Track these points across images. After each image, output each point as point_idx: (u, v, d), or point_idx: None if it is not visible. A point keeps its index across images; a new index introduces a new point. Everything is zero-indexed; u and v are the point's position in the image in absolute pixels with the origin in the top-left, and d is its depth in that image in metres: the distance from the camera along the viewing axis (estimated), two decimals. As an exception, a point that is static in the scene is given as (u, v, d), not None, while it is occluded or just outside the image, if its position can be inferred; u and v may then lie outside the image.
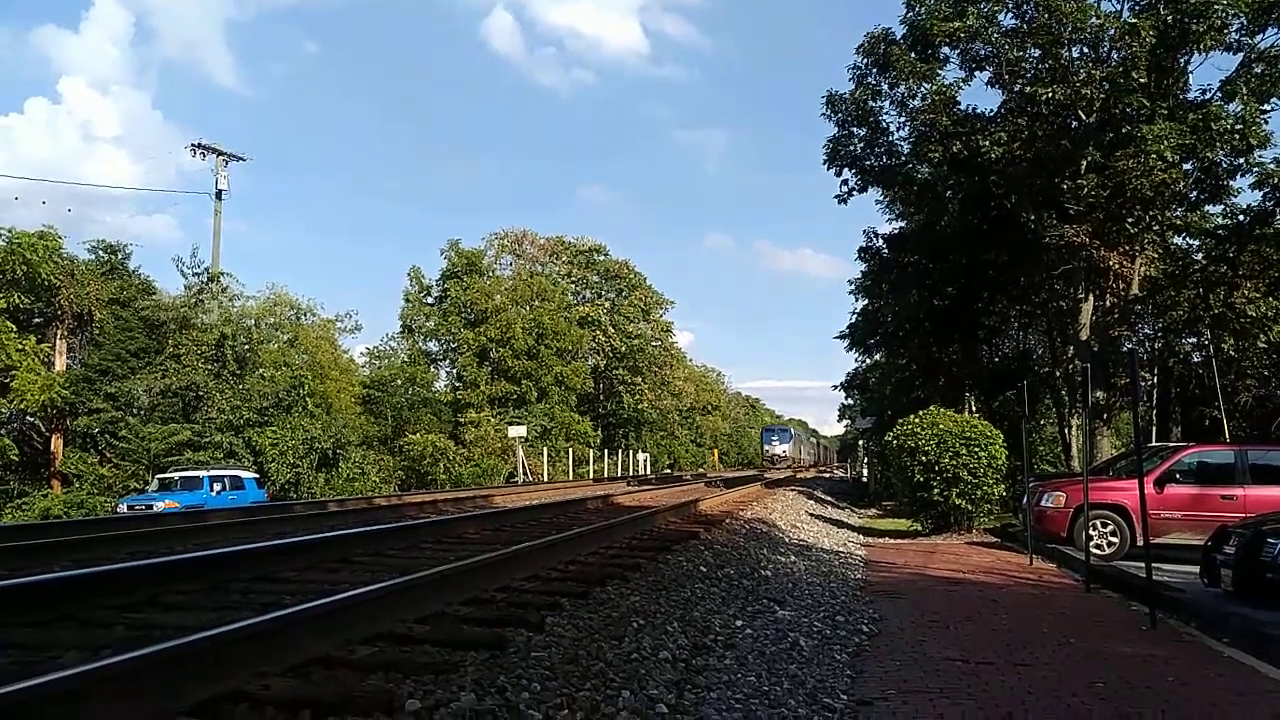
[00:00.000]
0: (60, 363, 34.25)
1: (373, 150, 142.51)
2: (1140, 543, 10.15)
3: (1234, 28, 20.49)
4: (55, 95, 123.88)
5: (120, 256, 37.54)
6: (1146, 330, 25.68)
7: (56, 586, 5.45)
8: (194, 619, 4.97)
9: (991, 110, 23.97)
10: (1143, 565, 8.22)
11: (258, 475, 29.28)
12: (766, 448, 71.74)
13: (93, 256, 36.51)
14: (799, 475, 54.40)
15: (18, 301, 30.19)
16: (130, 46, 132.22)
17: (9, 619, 4.81)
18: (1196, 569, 9.88)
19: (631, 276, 66.50)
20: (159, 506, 22.57)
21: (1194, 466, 13.45)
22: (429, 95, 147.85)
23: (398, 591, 5.35)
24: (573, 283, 64.07)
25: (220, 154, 38.84)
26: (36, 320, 34.06)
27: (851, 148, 25.82)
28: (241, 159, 39.84)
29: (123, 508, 24.13)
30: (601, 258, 65.84)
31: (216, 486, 25.41)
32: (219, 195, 38.36)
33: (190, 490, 24.78)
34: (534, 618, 5.33)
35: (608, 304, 64.72)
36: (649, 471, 55.00)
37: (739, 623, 6.65)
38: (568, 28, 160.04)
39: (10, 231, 30.58)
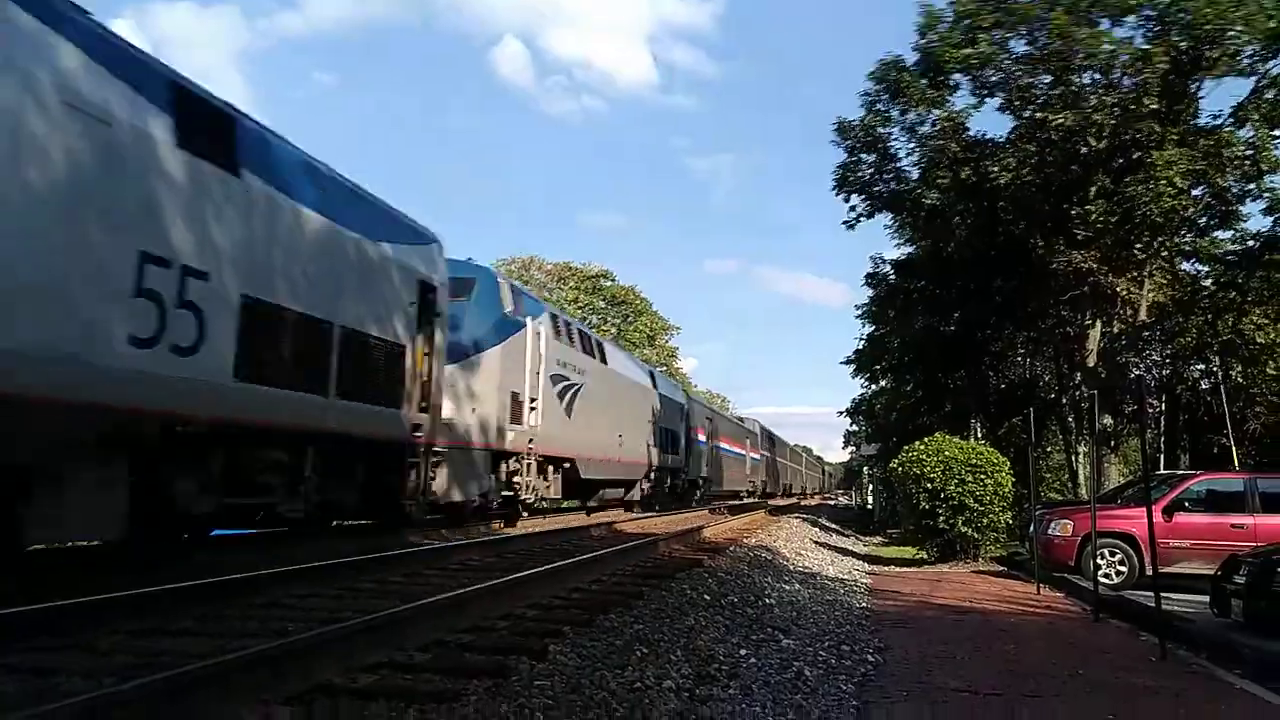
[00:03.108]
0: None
1: (383, 175, 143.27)
2: (1149, 572, 10.06)
3: (1247, 53, 20.52)
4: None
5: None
6: (1154, 357, 25.59)
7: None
8: (196, 645, 4.95)
9: (1001, 136, 24.05)
10: (1152, 594, 8.14)
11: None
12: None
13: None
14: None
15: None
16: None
17: (15, 645, 4.77)
18: (1206, 599, 9.79)
19: (638, 302, 66.60)
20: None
21: (1203, 495, 13.35)
22: (440, 121, 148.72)
23: (401, 619, 5.33)
24: (579, 308, 64.14)
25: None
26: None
27: (860, 174, 25.88)
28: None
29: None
30: (608, 283, 65.97)
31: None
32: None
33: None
34: (537, 645, 5.30)
35: (614, 329, 64.74)
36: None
37: (743, 651, 6.58)
38: (578, 57, 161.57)
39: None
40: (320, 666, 4.38)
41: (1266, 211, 21.83)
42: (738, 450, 46.99)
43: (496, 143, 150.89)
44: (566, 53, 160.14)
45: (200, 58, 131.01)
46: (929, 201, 25.46)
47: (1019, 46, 22.86)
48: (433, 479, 13.46)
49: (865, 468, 51.86)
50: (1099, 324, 23.31)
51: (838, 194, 26.07)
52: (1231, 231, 24.29)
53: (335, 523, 12.30)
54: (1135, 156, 20.87)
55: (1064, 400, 25.84)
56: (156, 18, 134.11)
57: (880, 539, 24.77)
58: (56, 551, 8.63)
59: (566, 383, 19.73)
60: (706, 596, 8.43)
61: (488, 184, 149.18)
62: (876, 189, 26.07)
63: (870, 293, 32.52)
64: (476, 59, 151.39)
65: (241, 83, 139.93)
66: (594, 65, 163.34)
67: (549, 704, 4.37)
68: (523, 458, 17.26)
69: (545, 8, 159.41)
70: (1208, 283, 25.60)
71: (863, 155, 25.65)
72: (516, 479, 17.14)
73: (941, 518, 15.66)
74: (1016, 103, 22.83)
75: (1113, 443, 23.16)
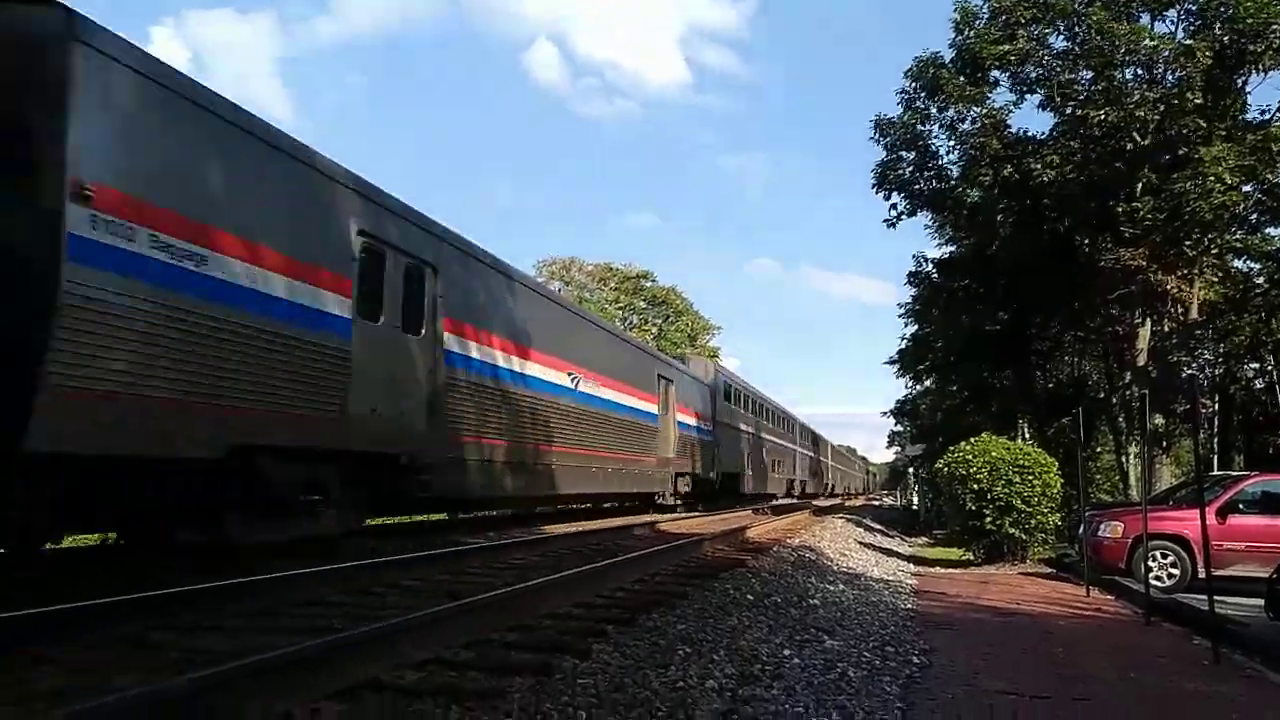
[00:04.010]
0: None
1: (419, 179, 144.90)
2: (1202, 575, 9.86)
3: None
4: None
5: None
6: (1207, 356, 25.08)
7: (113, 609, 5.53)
8: (243, 643, 5.04)
9: (1043, 133, 23.76)
10: (1204, 598, 7.97)
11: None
12: None
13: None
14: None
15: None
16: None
17: (66, 641, 4.92)
18: (1261, 602, 9.57)
19: (678, 303, 66.75)
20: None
21: (1258, 496, 13.05)
22: (474, 124, 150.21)
23: (447, 617, 5.38)
24: (620, 309, 64.33)
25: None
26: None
27: (900, 172, 25.71)
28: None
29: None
30: (648, 284, 66.20)
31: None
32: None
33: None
34: (580, 645, 5.32)
35: (655, 329, 64.83)
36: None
37: (786, 652, 6.56)
38: (610, 60, 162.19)
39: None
40: (368, 664, 4.44)
41: (1320, 207, 21.34)
42: (651, 409, 23.08)
43: (533, 145, 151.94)
44: (598, 55, 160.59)
45: (241, 65, 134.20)
46: (971, 199, 25.20)
47: (1058, 42, 22.60)
48: None
49: (910, 468, 51.36)
50: (1149, 322, 22.91)
51: (878, 191, 25.94)
52: (1285, 228, 23.81)
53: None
54: (1182, 152, 20.52)
55: (1114, 400, 25.40)
56: (196, 27, 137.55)
57: (925, 540, 24.53)
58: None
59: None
60: (750, 596, 8.41)
61: (525, 184, 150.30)
62: (917, 187, 25.88)
63: (913, 292, 32.29)
64: (510, 62, 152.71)
65: (279, 87, 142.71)
66: (625, 67, 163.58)
67: (593, 703, 4.38)
68: None
69: (576, 11, 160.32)
70: (1260, 280, 25.03)
71: (902, 153, 25.50)
72: None
73: (988, 518, 15.46)
74: (1057, 99, 22.54)
75: (1164, 443, 22.72)
